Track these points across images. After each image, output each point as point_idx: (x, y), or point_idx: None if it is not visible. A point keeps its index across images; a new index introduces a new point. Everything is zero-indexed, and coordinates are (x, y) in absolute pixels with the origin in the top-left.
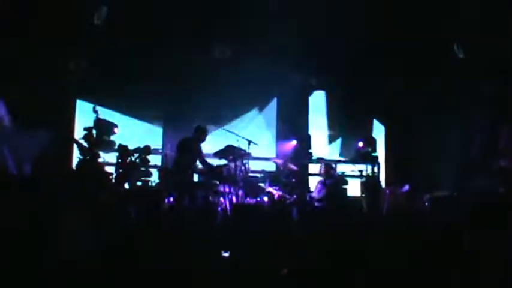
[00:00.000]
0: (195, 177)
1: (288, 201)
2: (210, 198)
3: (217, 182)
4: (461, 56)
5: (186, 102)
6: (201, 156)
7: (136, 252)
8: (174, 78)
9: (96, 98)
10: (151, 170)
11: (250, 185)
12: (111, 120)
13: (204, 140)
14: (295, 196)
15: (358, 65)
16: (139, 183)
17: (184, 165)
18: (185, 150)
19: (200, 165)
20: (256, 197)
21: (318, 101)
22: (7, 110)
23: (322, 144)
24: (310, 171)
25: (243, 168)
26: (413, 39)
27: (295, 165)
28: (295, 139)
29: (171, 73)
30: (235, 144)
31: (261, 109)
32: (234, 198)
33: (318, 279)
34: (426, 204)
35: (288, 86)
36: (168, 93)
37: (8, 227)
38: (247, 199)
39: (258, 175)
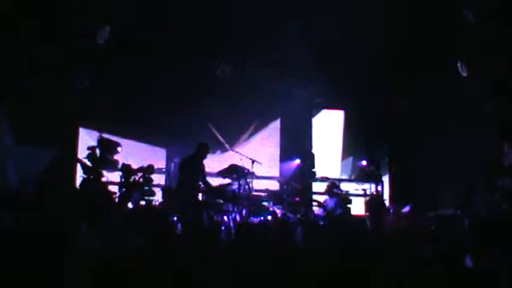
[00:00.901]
0: (199, 196)
1: (291, 220)
2: (214, 217)
3: (221, 201)
4: (464, 74)
5: (189, 121)
6: (203, 176)
7: (139, 271)
8: (176, 97)
9: (99, 119)
10: (155, 189)
11: (254, 203)
12: (115, 139)
13: (206, 156)
14: (299, 215)
15: (363, 84)
16: (143, 203)
17: (187, 184)
18: (188, 168)
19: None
20: (260, 216)
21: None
22: (11, 129)
23: (327, 162)
24: (314, 190)
25: (246, 187)
26: (416, 57)
27: (298, 184)
28: (299, 158)
29: (173, 92)
30: (239, 163)
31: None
32: (237, 217)
33: None
34: (430, 222)
35: (292, 104)
36: (171, 111)
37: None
38: (251, 218)
39: (261, 194)
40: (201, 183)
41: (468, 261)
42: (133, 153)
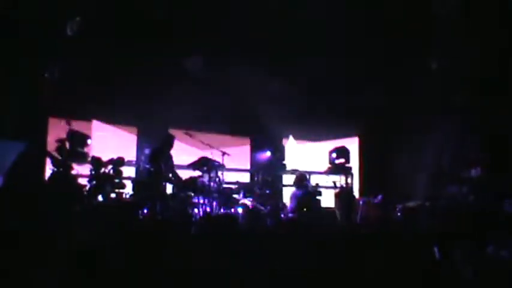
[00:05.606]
0: (169, 189)
1: (262, 212)
2: (184, 209)
3: (192, 193)
4: (434, 67)
5: (160, 111)
6: (172, 168)
7: (108, 264)
8: (146, 88)
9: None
10: (125, 181)
11: (225, 196)
12: (85, 132)
13: (171, 146)
14: (269, 207)
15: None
16: (113, 195)
17: (157, 176)
18: (157, 160)
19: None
20: (230, 208)
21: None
22: None
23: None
24: (284, 182)
25: (217, 179)
26: (385, 50)
27: (268, 176)
28: (269, 150)
29: (144, 82)
30: (210, 156)
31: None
32: (208, 210)
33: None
34: (398, 214)
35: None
36: (142, 102)
37: None
38: (222, 210)
39: (232, 186)
40: (170, 175)
41: (436, 253)
42: (103, 145)
